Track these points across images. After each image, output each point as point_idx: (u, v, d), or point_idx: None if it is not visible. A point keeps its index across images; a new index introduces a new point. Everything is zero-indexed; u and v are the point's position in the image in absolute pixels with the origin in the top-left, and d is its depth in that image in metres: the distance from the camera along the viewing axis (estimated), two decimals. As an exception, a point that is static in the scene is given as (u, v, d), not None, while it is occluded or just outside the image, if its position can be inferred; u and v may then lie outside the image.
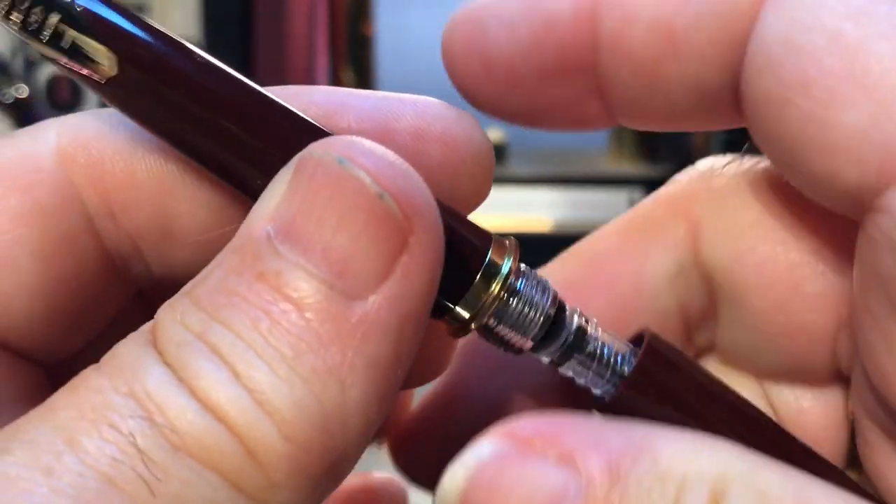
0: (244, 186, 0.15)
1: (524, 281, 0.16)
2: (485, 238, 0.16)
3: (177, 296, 0.13)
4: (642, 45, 0.14)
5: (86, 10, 0.14)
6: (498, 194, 0.82)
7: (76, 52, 0.14)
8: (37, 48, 0.14)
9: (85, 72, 0.14)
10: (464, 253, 0.15)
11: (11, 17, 0.14)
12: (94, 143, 0.16)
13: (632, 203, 0.80)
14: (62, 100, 0.76)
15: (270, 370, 0.12)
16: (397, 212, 0.13)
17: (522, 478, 0.13)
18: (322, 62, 0.85)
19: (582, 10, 0.15)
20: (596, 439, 0.13)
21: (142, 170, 0.16)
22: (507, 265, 0.15)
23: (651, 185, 0.79)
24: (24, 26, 0.14)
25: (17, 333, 0.15)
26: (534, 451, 0.13)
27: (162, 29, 0.15)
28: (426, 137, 0.16)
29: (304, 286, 0.13)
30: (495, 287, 0.15)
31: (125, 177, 0.16)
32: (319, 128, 0.15)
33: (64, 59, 0.14)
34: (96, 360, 0.13)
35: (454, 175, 0.16)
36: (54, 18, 0.14)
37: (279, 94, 0.15)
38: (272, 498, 0.12)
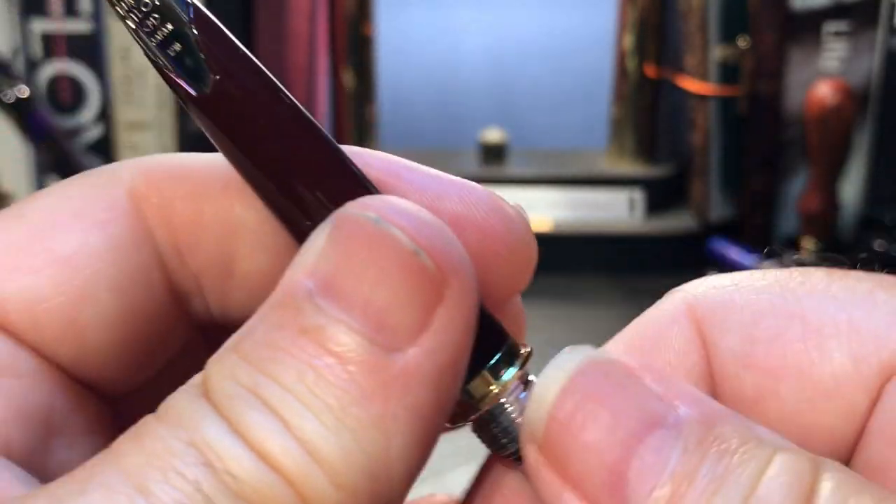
0: (298, 231, 0.16)
1: (526, 388, 0.16)
2: (503, 335, 0.16)
3: (223, 350, 0.14)
4: None
5: (200, 32, 0.15)
6: (497, 194, 0.82)
7: (179, 63, 0.15)
8: (146, 49, 0.15)
9: (181, 82, 0.15)
10: (480, 341, 0.15)
11: (131, 16, 0.15)
12: (166, 185, 0.17)
13: (632, 203, 0.80)
14: (63, 100, 0.76)
15: (318, 421, 0.13)
16: (432, 267, 0.14)
17: (621, 392, 0.14)
18: (322, 62, 0.85)
19: None
20: (687, 391, 0.14)
21: (209, 211, 0.17)
22: (513, 370, 0.16)
23: (651, 185, 0.79)
24: (140, 26, 0.15)
25: (90, 365, 0.16)
26: (634, 372, 0.14)
27: (260, 65, 0.16)
28: (465, 223, 0.17)
29: (346, 339, 0.13)
30: (499, 384, 0.16)
31: (193, 217, 0.17)
32: (374, 188, 0.16)
33: (166, 65, 0.15)
34: (156, 395, 0.14)
35: (490, 264, 0.17)
36: (169, 27, 0.15)
37: (345, 150, 0.16)
38: None
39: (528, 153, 0.86)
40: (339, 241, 0.14)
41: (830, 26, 0.71)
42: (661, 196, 0.80)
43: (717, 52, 0.75)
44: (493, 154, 0.82)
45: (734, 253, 0.71)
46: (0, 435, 0.14)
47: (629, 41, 0.81)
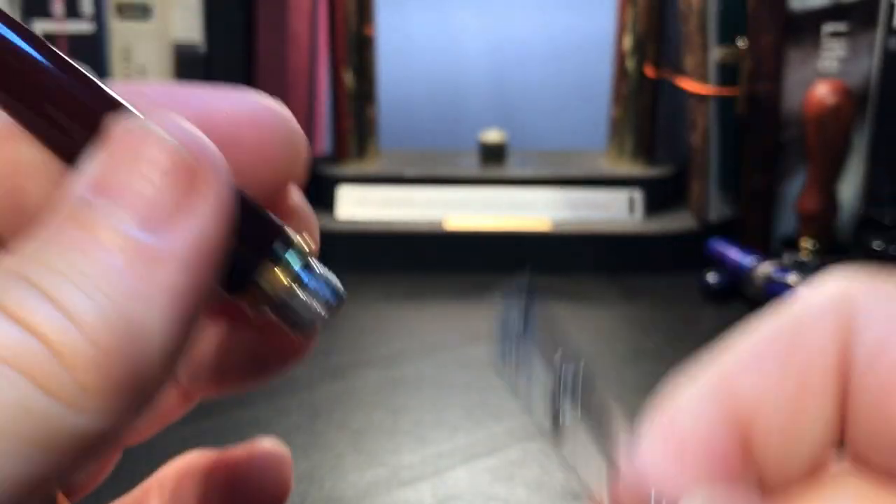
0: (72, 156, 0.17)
1: (311, 274, 0.18)
2: (276, 227, 0.18)
3: None
4: None
5: None
6: (497, 194, 0.82)
7: None
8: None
9: None
10: (255, 237, 0.17)
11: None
12: None
13: (631, 203, 0.80)
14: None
15: (79, 290, 0.14)
16: (190, 159, 0.15)
17: None
18: (323, 63, 0.85)
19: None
20: None
21: None
22: (291, 254, 0.18)
23: (650, 185, 0.80)
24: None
25: None
26: None
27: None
28: (239, 122, 0.18)
29: (109, 222, 0.14)
30: (282, 272, 0.17)
31: None
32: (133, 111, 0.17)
33: None
34: None
35: (266, 153, 0.18)
36: None
37: (113, 89, 0.17)
38: (82, 402, 0.13)
39: (527, 153, 0.86)
40: (107, 146, 0.15)
41: (829, 27, 0.72)
42: (660, 196, 0.80)
43: (717, 53, 0.75)
44: (493, 155, 0.83)
45: (734, 253, 0.71)
46: None
47: (629, 42, 0.81)
